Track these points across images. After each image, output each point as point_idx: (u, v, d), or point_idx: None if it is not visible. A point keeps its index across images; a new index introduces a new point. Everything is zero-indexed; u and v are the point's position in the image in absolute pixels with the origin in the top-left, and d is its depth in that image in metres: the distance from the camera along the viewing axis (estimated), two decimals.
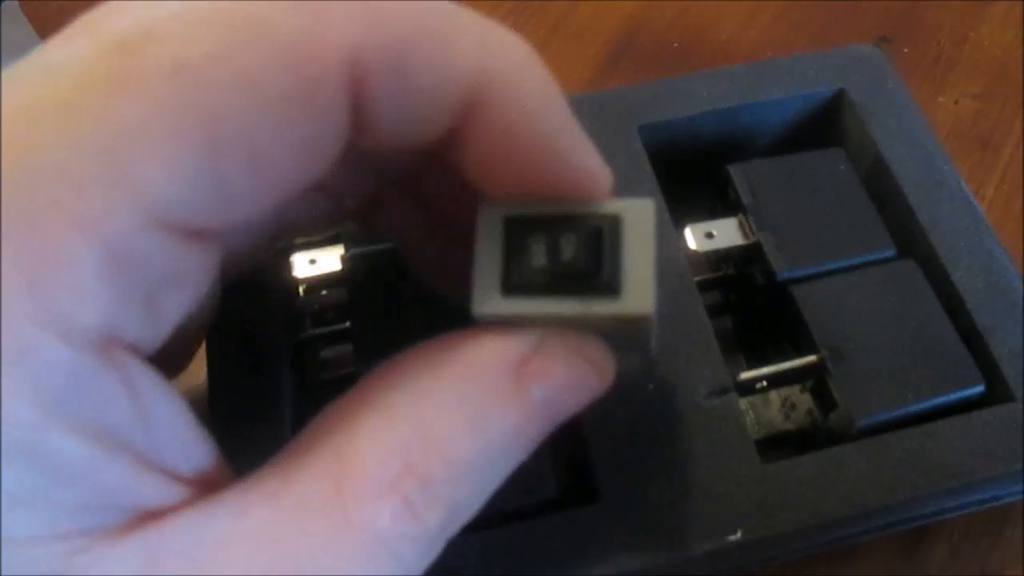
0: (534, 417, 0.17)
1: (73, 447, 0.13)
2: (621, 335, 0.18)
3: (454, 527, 0.16)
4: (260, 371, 0.25)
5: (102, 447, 0.14)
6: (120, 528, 0.14)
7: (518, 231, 0.17)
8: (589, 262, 0.16)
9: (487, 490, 0.17)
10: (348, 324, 0.27)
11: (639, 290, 0.16)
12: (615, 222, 0.17)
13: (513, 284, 0.17)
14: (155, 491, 0.15)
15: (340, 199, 0.22)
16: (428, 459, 0.16)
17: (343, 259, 0.27)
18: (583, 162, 0.17)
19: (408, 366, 0.17)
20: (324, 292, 0.28)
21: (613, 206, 0.17)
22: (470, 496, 0.17)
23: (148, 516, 0.15)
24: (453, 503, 0.16)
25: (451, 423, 0.16)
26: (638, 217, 0.17)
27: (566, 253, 0.16)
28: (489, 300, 0.17)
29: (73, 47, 0.13)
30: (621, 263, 0.16)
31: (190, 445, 0.16)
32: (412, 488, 0.15)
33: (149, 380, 0.15)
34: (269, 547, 0.15)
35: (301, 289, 0.28)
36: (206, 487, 0.16)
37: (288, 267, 0.28)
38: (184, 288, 0.15)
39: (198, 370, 0.26)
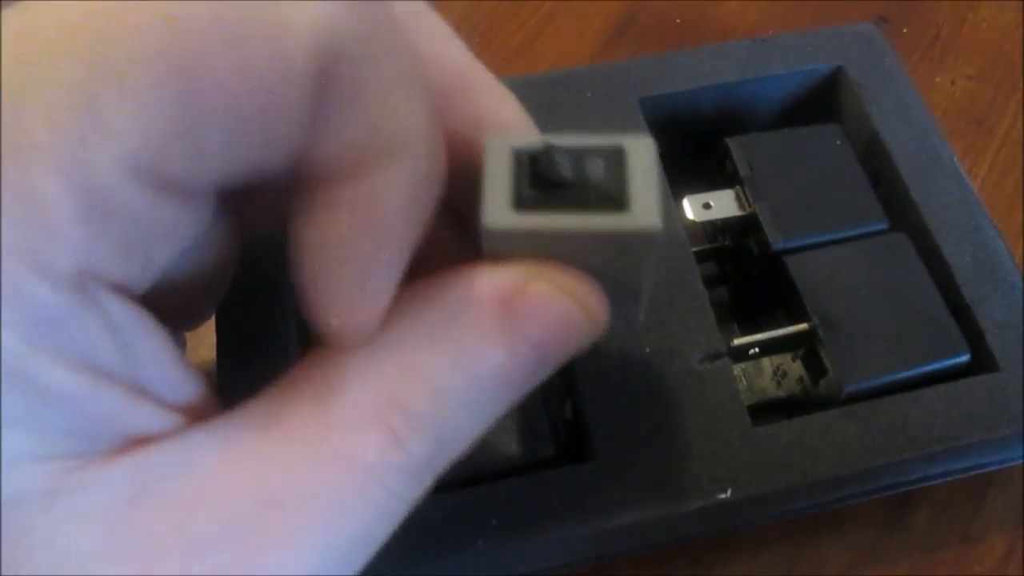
0: (522, 355, 0.17)
1: (58, 374, 0.14)
2: (619, 267, 0.18)
3: (442, 460, 0.17)
4: (267, 340, 0.25)
5: (86, 376, 0.14)
6: (111, 452, 0.15)
7: (526, 157, 0.17)
8: (615, 179, 0.17)
9: (476, 426, 0.17)
10: None
11: (648, 208, 0.17)
12: (620, 151, 0.17)
13: (523, 200, 0.17)
14: (144, 418, 0.15)
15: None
16: (411, 391, 0.16)
17: None
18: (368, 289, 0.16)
19: (395, 304, 0.17)
20: None
21: (615, 139, 0.17)
22: (456, 430, 0.17)
23: (139, 442, 0.15)
24: (438, 435, 0.16)
25: (435, 356, 0.16)
26: (640, 148, 0.17)
27: (593, 170, 0.17)
28: (500, 214, 0.17)
29: None
30: (629, 183, 0.17)
31: (177, 378, 0.16)
32: (397, 419, 0.16)
33: (132, 316, 0.15)
34: (256, 474, 0.15)
35: None
36: (196, 418, 0.16)
37: None
38: (170, 239, 0.15)
39: (207, 332, 0.26)
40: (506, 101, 0.20)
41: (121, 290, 0.15)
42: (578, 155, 0.17)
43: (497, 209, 0.17)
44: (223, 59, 0.13)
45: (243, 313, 0.25)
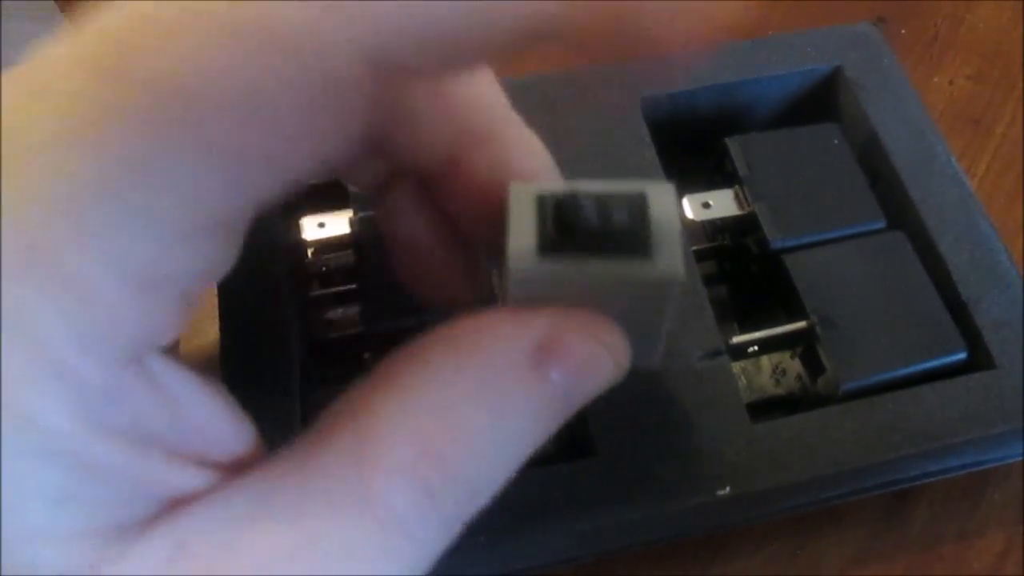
0: (553, 401, 0.17)
1: (108, 451, 0.14)
2: (640, 312, 0.19)
3: (471, 510, 0.17)
4: (270, 329, 0.26)
5: (135, 448, 0.14)
6: (151, 517, 0.15)
7: (551, 203, 0.17)
8: (637, 226, 0.17)
9: (505, 474, 0.17)
10: (355, 285, 0.28)
11: (671, 257, 0.17)
12: (642, 198, 0.18)
13: (549, 246, 0.17)
14: (185, 479, 0.15)
15: (351, 179, 0.22)
16: (447, 443, 0.16)
17: (351, 222, 0.28)
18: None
19: (426, 352, 0.17)
20: (332, 255, 0.29)
21: (636, 185, 0.18)
22: (488, 480, 0.17)
23: (178, 503, 0.15)
24: (471, 487, 0.16)
25: (470, 408, 0.16)
26: (661, 194, 0.18)
27: (618, 216, 0.17)
28: (526, 259, 0.17)
29: (68, 55, 0.13)
30: (652, 232, 0.17)
31: (220, 429, 0.16)
32: (431, 471, 0.16)
33: (182, 381, 0.15)
34: (293, 526, 0.15)
35: (310, 252, 0.29)
36: (238, 468, 0.16)
37: (298, 230, 0.29)
38: (212, 276, 0.16)
39: (211, 328, 0.27)
40: (536, 152, 0.20)
41: (162, 343, 0.15)
42: (602, 202, 0.17)
43: (523, 254, 0.17)
44: (242, 111, 0.13)
45: (246, 303, 0.26)
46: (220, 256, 0.15)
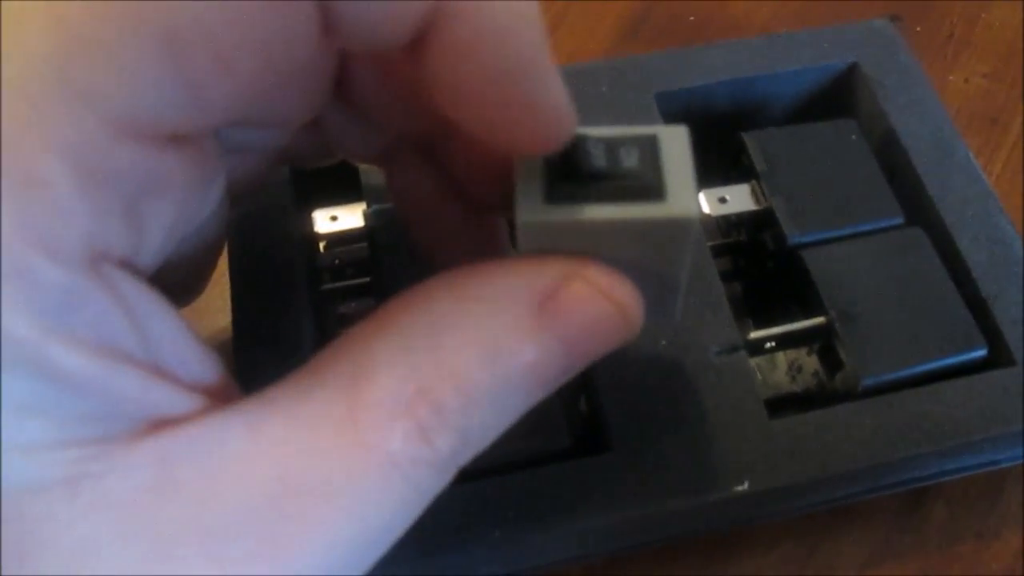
0: (554, 355, 0.17)
1: (74, 358, 0.13)
2: (656, 260, 0.18)
3: (467, 454, 0.17)
4: (282, 323, 0.25)
5: (103, 358, 0.14)
6: (133, 435, 0.14)
7: (561, 151, 0.17)
8: (650, 168, 0.17)
9: (502, 422, 0.17)
10: (368, 279, 0.28)
11: (684, 196, 0.17)
12: (653, 139, 0.17)
13: (557, 193, 0.17)
14: (165, 399, 0.15)
15: (351, 152, 0.22)
16: (441, 386, 0.16)
17: (365, 215, 0.28)
18: (547, 98, 0.16)
19: (430, 293, 0.17)
20: (344, 248, 0.29)
21: (648, 129, 0.17)
22: (483, 426, 0.17)
23: (162, 424, 0.15)
24: (465, 430, 0.16)
25: (467, 352, 0.16)
26: (673, 136, 0.17)
27: (628, 159, 0.16)
28: (534, 208, 0.17)
29: None
30: (664, 172, 0.17)
31: (192, 358, 0.16)
32: (425, 413, 0.15)
33: (143, 295, 0.15)
34: (282, 462, 0.15)
35: (322, 245, 0.29)
36: (217, 398, 0.16)
37: (310, 223, 0.28)
38: (167, 196, 0.15)
39: (222, 320, 0.27)
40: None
41: (130, 267, 0.15)
42: (611, 145, 0.17)
43: (531, 203, 0.17)
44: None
45: (259, 296, 0.26)
46: (177, 178, 0.15)
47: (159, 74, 0.13)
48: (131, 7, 0.12)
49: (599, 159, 0.16)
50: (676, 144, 0.17)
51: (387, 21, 0.14)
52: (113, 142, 0.13)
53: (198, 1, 0.13)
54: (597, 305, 0.17)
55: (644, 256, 0.18)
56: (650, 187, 0.16)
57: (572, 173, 0.16)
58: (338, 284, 0.28)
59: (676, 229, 0.17)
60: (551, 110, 0.16)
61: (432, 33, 0.15)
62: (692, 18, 0.40)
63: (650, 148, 0.17)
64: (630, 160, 0.17)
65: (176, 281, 0.19)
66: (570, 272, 0.17)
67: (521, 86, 0.15)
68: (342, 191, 0.29)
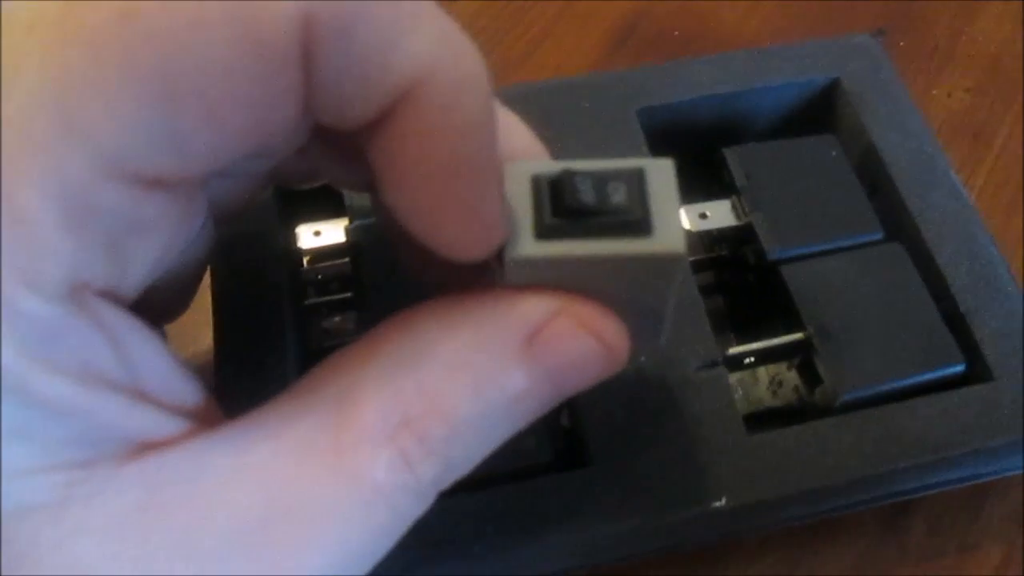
0: (538, 388, 0.17)
1: (58, 386, 0.14)
2: (643, 291, 0.18)
3: (448, 480, 0.17)
4: (265, 338, 0.26)
5: (86, 385, 0.14)
6: (118, 459, 0.15)
7: (546, 183, 0.17)
8: (637, 203, 0.17)
9: (484, 451, 0.17)
10: (350, 294, 0.28)
11: (672, 231, 0.17)
12: (640, 173, 0.17)
13: (546, 228, 0.17)
14: (150, 423, 0.15)
15: (335, 179, 0.22)
16: (426, 415, 0.16)
17: (347, 231, 0.28)
18: (485, 205, 0.16)
19: (417, 320, 0.17)
20: (328, 263, 0.29)
21: (634, 162, 0.17)
22: (465, 455, 0.17)
23: (147, 447, 0.15)
24: (448, 459, 0.17)
25: (453, 383, 0.16)
26: (659, 169, 0.17)
27: (615, 195, 0.17)
28: (523, 243, 0.17)
29: None
30: (651, 207, 0.17)
31: (175, 381, 0.16)
32: (409, 443, 0.16)
33: (125, 323, 0.15)
34: (267, 486, 0.15)
35: (306, 260, 0.29)
36: (201, 421, 0.16)
37: (293, 238, 0.29)
38: (151, 236, 0.15)
39: (204, 335, 0.27)
40: (520, 130, 0.20)
41: (113, 296, 0.15)
42: (599, 180, 0.17)
43: (520, 239, 0.17)
44: (189, 48, 0.13)
45: (241, 318, 0.26)
46: (162, 218, 0.15)
47: (151, 121, 0.13)
48: (130, 54, 0.13)
49: (587, 195, 0.17)
50: (662, 178, 0.17)
51: (358, 98, 0.15)
52: (101, 182, 0.13)
53: (194, 57, 0.13)
54: (583, 342, 0.17)
55: (631, 289, 0.18)
56: (638, 222, 0.17)
57: (560, 209, 0.17)
58: (322, 299, 0.28)
59: (664, 264, 0.17)
60: (486, 217, 0.16)
61: (392, 116, 0.15)
62: (677, 32, 0.40)
63: (637, 182, 0.17)
64: (617, 195, 0.17)
65: (160, 301, 0.19)
66: (557, 308, 0.17)
67: (464, 185, 0.15)
68: (326, 206, 0.29)
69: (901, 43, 0.39)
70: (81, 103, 0.13)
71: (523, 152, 0.19)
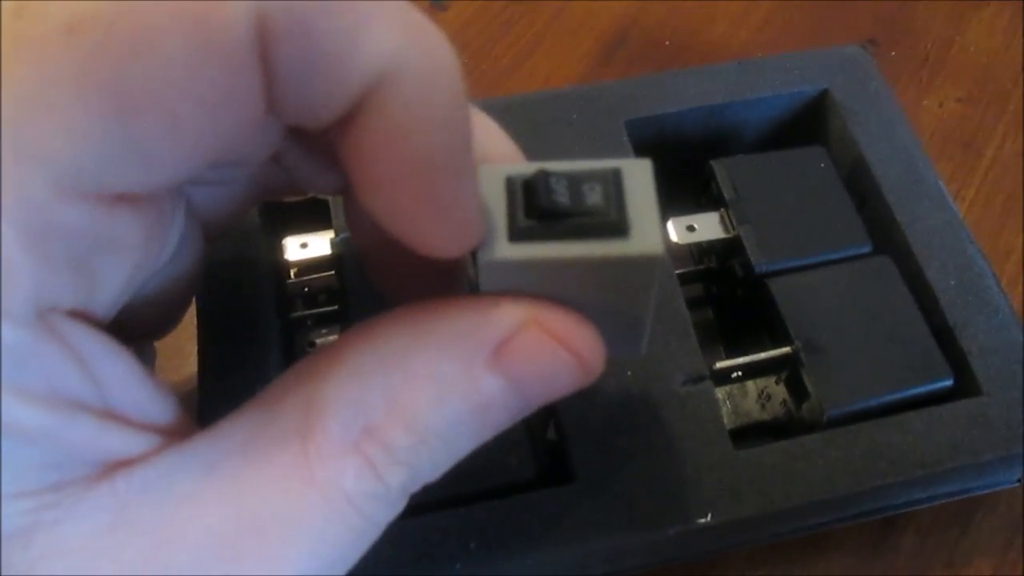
0: (505, 398, 0.17)
1: (25, 410, 0.14)
2: (621, 295, 0.18)
3: (417, 485, 0.17)
4: (250, 351, 0.25)
5: (55, 408, 0.14)
6: (88, 480, 0.15)
7: (520, 185, 0.17)
8: (613, 204, 0.16)
9: (451, 459, 0.17)
10: (336, 307, 0.28)
11: (649, 232, 0.16)
12: (616, 173, 0.17)
13: (520, 231, 0.16)
14: (120, 442, 0.15)
15: (314, 185, 0.21)
16: (391, 424, 0.16)
17: (333, 243, 0.28)
18: (459, 202, 0.16)
19: (385, 328, 0.17)
20: (315, 276, 0.29)
21: (611, 163, 0.17)
22: (432, 463, 0.17)
23: (117, 466, 0.15)
24: (415, 468, 0.16)
25: (418, 392, 0.16)
26: (636, 170, 0.17)
27: (591, 196, 0.16)
28: (496, 247, 0.16)
29: None
30: (628, 208, 0.16)
31: (147, 399, 0.16)
32: (374, 451, 0.16)
33: (94, 342, 0.15)
34: (237, 500, 0.15)
35: (292, 272, 0.29)
36: (174, 436, 0.16)
37: (280, 250, 0.28)
38: (120, 253, 0.15)
39: (190, 348, 0.26)
40: (494, 134, 0.19)
41: (84, 316, 0.15)
42: (574, 180, 0.16)
43: (493, 242, 0.16)
44: (140, 57, 0.13)
45: (225, 331, 0.25)
46: (129, 234, 0.15)
47: (107, 135, 0.13)
48: (79, 67, 0.13)
49: (562, 196, 0.16)
50: (640, 178, 0.17)
51: (321, 98, 0.14)
52: (60, 201, 0.13)
53: (146, 66, 0.13)
54: (552, 353, 0.17)
55: (609, 293, 0.18)
56: (614, 224, 0.16)
57: (534, 210, 0.16)
58: (308, 312, 0.28)
59: (641, 266, 0.17)
60: (461, 212, 0.16)
61: (361, 113, 0.15)
62: (668, 43, 0.40)
63: (613, 183, 0.17)
64: (593, 196, 0.16)
65: (147, 318, 0.19)
66: (527, 317, 0.17)
67: (437, 180, 0.15)
68: (314, 218, 0.29)
69: (892, 53, 0.39)
70: (33, 122, 0.13)
71: (499, 156, 0.19)
